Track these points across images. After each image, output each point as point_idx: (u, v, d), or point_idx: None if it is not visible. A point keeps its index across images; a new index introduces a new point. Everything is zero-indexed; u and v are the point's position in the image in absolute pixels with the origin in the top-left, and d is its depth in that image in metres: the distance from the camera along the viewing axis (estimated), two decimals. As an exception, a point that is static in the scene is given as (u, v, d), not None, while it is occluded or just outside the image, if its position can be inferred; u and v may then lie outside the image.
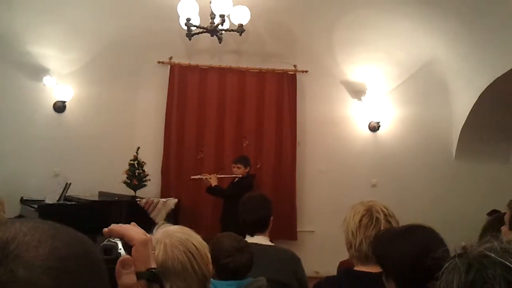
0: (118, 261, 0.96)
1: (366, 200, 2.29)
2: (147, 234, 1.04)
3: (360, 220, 2.14)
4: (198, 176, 6.37)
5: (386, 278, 1.66)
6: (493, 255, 0.86)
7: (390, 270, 1.65)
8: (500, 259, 0.84)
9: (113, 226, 1.02)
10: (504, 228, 2.38)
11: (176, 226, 1.66)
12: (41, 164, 6.55)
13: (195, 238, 1.63)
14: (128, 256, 0.98)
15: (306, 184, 7.30)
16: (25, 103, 6.66)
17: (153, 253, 1.05)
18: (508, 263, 0.83)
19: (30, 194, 6.10)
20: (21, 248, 0.64)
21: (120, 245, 0.99)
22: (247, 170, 6.26)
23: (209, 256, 1.65)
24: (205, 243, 1.67)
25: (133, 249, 1.00)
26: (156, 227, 1.60)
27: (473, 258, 0.88)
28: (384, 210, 2.17)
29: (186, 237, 1.60)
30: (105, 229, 1.02)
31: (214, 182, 6.21)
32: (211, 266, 1.66)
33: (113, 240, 1.00)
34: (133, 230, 1.02)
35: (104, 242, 1.00)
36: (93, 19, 6.44)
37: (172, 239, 1.55)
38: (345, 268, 2.21)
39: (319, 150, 7.34)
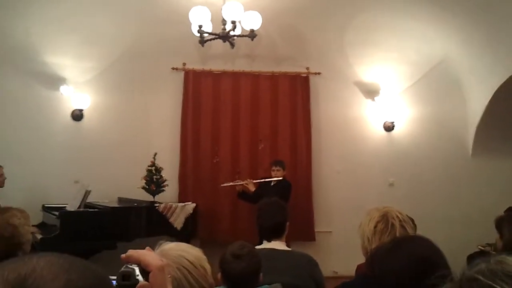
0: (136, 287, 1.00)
1: (382, 206, 2.30)
2: (163, 259, 1.08)
3: (375, 226, 2.16)
4: (230, 184, 6.43)
5: None
6: (481, 278, 0.84)
7: (391, 286, 1.61)
8: (488, 282, 0.83)
9: (131, 252, 1.06)
10: None
11: (172, 244, 1.68)
12: (61, 171, 6.67)
13: (190, 253, 1.65)
14: (146, 283, 1.01)
15: (322, 185, 7.33)
16: (43, 113, 6.79)
17: (170, 277, 1.08)
18: (496, 286, 0.82)
19: (51, 202, 6.21)
20: (39, 282, 0.67)
21: (137, 271, 1.03)
22: (285, 173, 6.33)
23: (207, 267, 1.68)
24: (202, 255, 1.70)
25: (150, 274, 1.02)
26: (157, 246, 1.64)
27: (463, 282, 0.87)
28: (399, 215, 2.18)
29: (179, 253, 1.63)
30: (123, 255, 1.05)
31: (252, 188, 6.27)
32: (210, 278, 1.69)
33: (130, 266, 1.04)
34: (149, 255, 1.06)
35: (122, 269, 1.03)
36: (107, 27, 6.54)
37: (165, 257, 1.59)
38: (362, 273, 2.24)
39: (334, 151, 7.37)
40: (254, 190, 6.24)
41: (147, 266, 1.03)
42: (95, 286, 0.74)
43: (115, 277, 1.02)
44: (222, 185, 6.52)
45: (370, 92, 7.41)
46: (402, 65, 7.25)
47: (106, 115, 7.00)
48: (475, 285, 0.84)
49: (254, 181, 6.37)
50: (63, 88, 6.75)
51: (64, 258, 0.75)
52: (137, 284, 1.01)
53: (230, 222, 6.92)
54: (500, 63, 6.40)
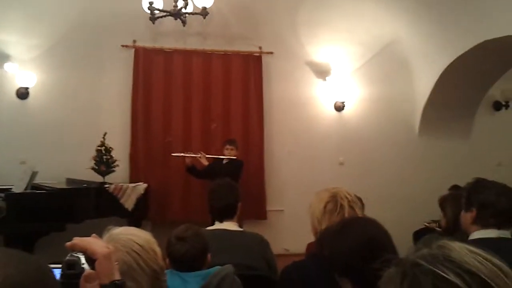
0: (82, 276, 0.99)
1: (331, 186, 2.35)
2: (109, 246, 1.06)
3: (325, 207, 2.20)
4: (182, 154, 6.41)
5: (340, 278, 1.63)
6: (424, 263, 0.87)
7: (341, 268, 1.63)
8: (430, 267, 0.85)
9: (76, 240, 1.04)
10: (462, 213, 2.48)
11: (120, 228, 1.67)
12: (7, 151, 6.45)
13: (139, 236, 1.64)
14: (91, 271, 1.00)
15: (274, 164, 7.39)
16: (-13, 91, 6.52)
17: (116, 264, 1.07)
18: (438, 271, 0.84)
19: (-4, 183, 6.02)
20: None
21: (83, 260, 1.01)
22: (237, 152, 6.36)
23: (158, 250, 1.68)
24: (152, 238, 1.69)
25: (96, 262, 1.02)
26: (105, 231, 1.62)
27: (407, 267, 0.89)
28: (348, 196, 2.23)
29: (128, 237, 1.62)
30: (68, 243, 1.03)
31: (205, 162, 6.28)
32: (160, 260, 1.69)
33: (75, 255, 1.02)
34: (95, 243, 1.04)
35: (67, 257, 1.01)
36: (54, 3, 6.33)
37: (114, 242, 1.58)
38: (312, 253, 2.28)
39: (286, 130, 7.42)
40: (206, 165, 6.25)
41: (93, 254, 1.02)
42: (36, 280, 0.72)
43: (60, 266, 1.00)
44: (173, 154, 6.47)
45: (322, 72, 7.48)
46: (353, 46, 7.35)
47: (53, 93, 6.78)
48: (417, 270, 0.87)
49: (207, 156, 6.38)
50: (7, 66, 6.49)
51: (2, 252, 0.73)
52: (82, 272, 0.99)
53: (182, 203, 6.89)
54: (448, 44, 6.57)
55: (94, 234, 1.13)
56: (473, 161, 7.20)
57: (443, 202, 3.20)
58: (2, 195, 5.23)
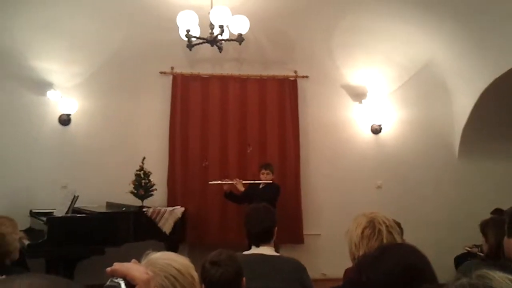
0: None
1: (369, 211, 2.33)
2: (149, 272, 1.08)
3: (362, 232, 2.18)
4: (218, 182, 6.45)
5: None
6: None
7: None
8: None
9: (116, 266, 1.05)
10: (505, 239, 2.42)
11: (158, 253, 1.70)
12: (49, 176, 6.63)
13: (177, 261, 1.67)
14: None
15: (311, 188, 7.35)
16: (31, 118, 6.74)
17: None
18: None
19: (39, 207, 6.17)
20: None
21: (123, 285, 1.03)
22: (273, 176, 6.39)
23: (195, 275, 1.70)
24: (190, 263, 1.71)
25: None
26: (143, 256, 1.65)
27: None
28: (386, 221, 2.21)
29: (167, 262, 1.64)
30: (108, 269, 1.05)
31: (241, 188, 6.31)
32: (198, 285, 1.70)
33: (115, 281, 1.03)
34: (135, 269, 1.06)
35: (107, 283, 1.03)
36: (94, 32, 6.52)
37: (153, 267, 1.60)
38: (350, 279, 2.26)
39: (322, 153, 7.40)
40: (243, 191, 6.27)
41: (132, 280, 1.04)
42: None
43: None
44: (210, 182, 6.51)
45: (357, 95, 7.46)
46: (389, 68, 7.31)
47: (93, 119, 6.97)
48: None
49: (243, 181, 6.40)
50: (50, 93, 6.71)
51: (47, 279, 0.74)
52: None
53: (219, 227, 6.92)
54: (486, 66, 6.47)
55: (134, 260, 1.15)
56: (515, 184, 6.99)
57: (484, 227, 3.12)
58: (44, 219, 5.37)
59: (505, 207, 2.73)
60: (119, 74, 6.94)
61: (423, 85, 7.39)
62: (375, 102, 7.40)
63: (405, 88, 7.44)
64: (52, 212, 5.67)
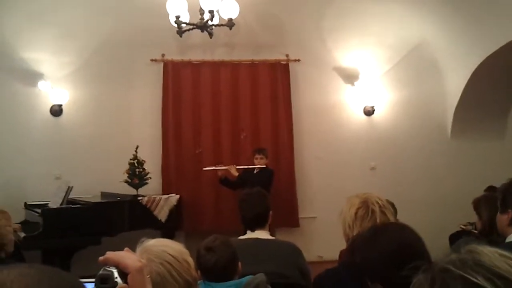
0: None
1: (362, 192, 2.33)
2: (142, 260, 1.08)
3: (356, 213, 2.19)
4: (213, 168, 6.45)
5: (372, 285, 1.61)
6: (453, 268, 0.86)
7: (373, 274, 1.61)
8: (460, 272, 0.84)
9: (108, 254, 1.05)
10: (498, 215, 2.43)
11: (153, 240, 1.70)
12: (42, 168, 6.61)
13: (172, 248, 1.68)
14: (124, 285, 1.01)
15: (305, 171, 7.37)
16: (22, 109, 6.70)
17: (149, 277, 1.08)
18: (467, 276, 0.83)
19: (33, 199, 6.16)
20: None
21: (116, 274, 1.02)
22: (267, 161, 6.38)
23: (190, 261, 1.70)
24: (184, 250, 1.71)
25: (128, 276, 1.03)
26: (138, 244, 1.65)
27: (436, 273, 0.88)
28: (379, 201, 2.22)
29: (161, 248, 1.65)
30: (101, 258, 1.05)
31: (235, 173, 6.31)
32: (193, 271, 1.71)
33: (108, 269, 1.03)
34: (128, 257, 1.06)
35: (100, 272, 1.03)
36: (84, 21, 6.46)
37: (148, 254, 1.61)
38: (345, 260, 2.27)
39: (316, 137, 7.40)
40: (237, 176, 6.28)
41: (125, 268, 1.03)
42: None
43: (93, 280, 1.02)
44: (204, 168, 6.51)
45: (350, 77, 7.44)
46: (380, 49, 7.29)
47: (85, 109, 6.93)
48: (447, 276, 0.86)
49: (237, 167, 6.41)
50: (41, 84, 6.66)
51: (36, 268, 0.74)
52: (115, 286, 1.01)
53: (214, 212, 6.93)
54: (477, 44, 6.47)
55: (126, 248, 1.15)
56: (508, 162, 7.00)
57: (477, 204, 3.14)
58: (39, 210, 5.36)
59: (498, 184, 2.74)
60: (109, 62, 6.89)
61: (415, 65, 7.38)
62: (368, 84, 7.39)
63: (397, 69, 7.42)
64: (47, 203, 5.66)
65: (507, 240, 2.31)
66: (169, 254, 1.65)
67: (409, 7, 6.75)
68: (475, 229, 3.86)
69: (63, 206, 5.46)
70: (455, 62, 7.09)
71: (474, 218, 3.38)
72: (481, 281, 0.82)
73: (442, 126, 7.52)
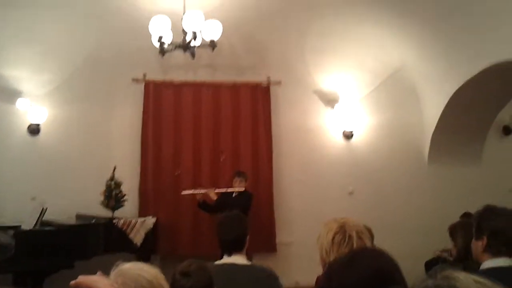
0: None
1: (339, 217, 2.32)
2: (114, 284, 1.06)
3: (333, 238, 2.16)
4: (192, 191, 6.36)
5: None
6: None
7: None
8: None
9: (80, 279, 1.04)
10: (473, 241, 2.43)
11: (129, 264, 1.68)
12: (17, 188, 6.46)
13: (148, 272, 1.65)
14: None
15: (283, 195, 7.32)
16: (-1, 127, 6.59)
17: None
18: None
19: (8, 219, 5.98)
20: None
21: None
22: (246, 184, 6.38)
23: (166, 285, 1.68)
24: (160, 274, 1.69)
25: None
26: (113, 268, 1.63)
27: None
28: (357, 227, 2.20)
29: (137, 272, 1.62)
30: (72, 282, 1.04)
31: (214, 197, 6.23)
32: None
33: None
34: (100, 281, 1.05)
35: None
36: (65, 40, 6.43)
37: (123, 277, 1.58)
38: (320, 286, 2.24)
39: (295, 160, 7.39)
40: (216, 200, 6.21)
41: None
42: None
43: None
44: (182, 192, 6.42)
45: (330, 100, 7.49)
46: (361, 73, 7.37)
47: (64, 128, 6.84)
48: None
49: (216, 190, 6.34)
50: (19, 102, 6.57)
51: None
52: None
53: (191, 236, 6.84)
54: (455, 69, 6.57)
55: (99, 272, 1.13)
56: (485, 187, 7.06)
57: (453, 231, 3.15)
58: (11, 232, 5.23)
59: (474, 210, 2.75)
60: (90, 82, 6.84)
61: (394, 90, 7.46)
62: (347, 107, 7.45)
63: (376, 93, 7.50)
64: (20, 226, 5.50)
65: (482, 267, 2.31)
66: (145, 278, 1.62)
67: (388, 31, 6.85)
68: (450, 256, 3.86)
69: (36, 228, 5.33)
70: (433, 87, 7.19)
71: (450, 244, 3.39)
72: None
73: (419, 151, 7.58)
